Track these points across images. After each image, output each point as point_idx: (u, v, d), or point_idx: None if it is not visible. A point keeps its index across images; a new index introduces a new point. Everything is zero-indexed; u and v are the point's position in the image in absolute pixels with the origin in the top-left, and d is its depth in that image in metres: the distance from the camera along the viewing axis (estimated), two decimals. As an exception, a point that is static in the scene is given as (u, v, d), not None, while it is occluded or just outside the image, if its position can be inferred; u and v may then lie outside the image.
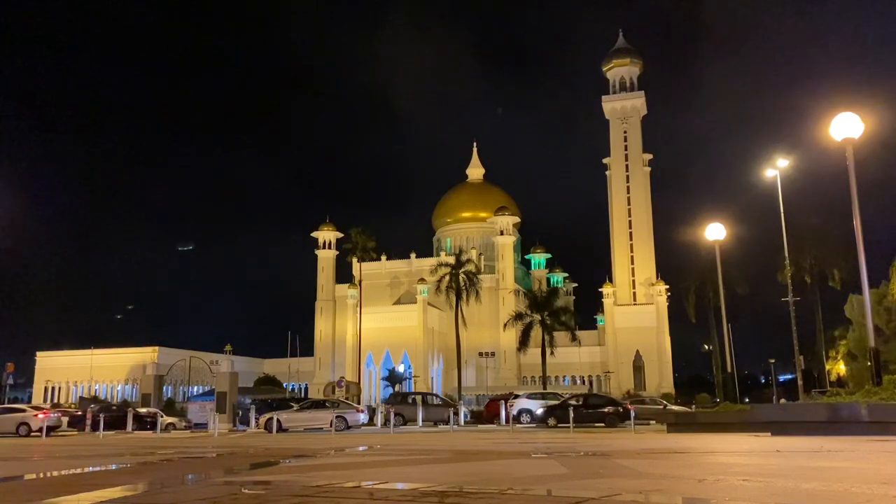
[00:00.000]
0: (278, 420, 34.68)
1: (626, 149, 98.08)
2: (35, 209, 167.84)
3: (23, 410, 37.35)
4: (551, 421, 34.47)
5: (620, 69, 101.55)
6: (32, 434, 32.94)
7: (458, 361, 69.64)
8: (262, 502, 6.26)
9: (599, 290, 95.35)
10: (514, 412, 38.79)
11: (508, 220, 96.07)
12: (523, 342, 66.73)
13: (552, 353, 66.36)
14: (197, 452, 15.55)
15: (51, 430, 34.61)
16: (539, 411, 37.70)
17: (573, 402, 37.81)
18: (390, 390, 70.65)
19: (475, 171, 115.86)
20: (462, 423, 40.60)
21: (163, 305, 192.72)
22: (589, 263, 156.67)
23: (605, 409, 35.65)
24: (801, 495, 6.42)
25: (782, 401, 55.31)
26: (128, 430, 37.89)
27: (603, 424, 33.86)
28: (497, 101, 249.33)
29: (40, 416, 34.94)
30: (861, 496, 6.18)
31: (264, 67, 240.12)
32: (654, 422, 34.03)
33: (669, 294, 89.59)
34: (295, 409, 38.71)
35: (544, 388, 66.08)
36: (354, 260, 76.69)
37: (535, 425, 36.55)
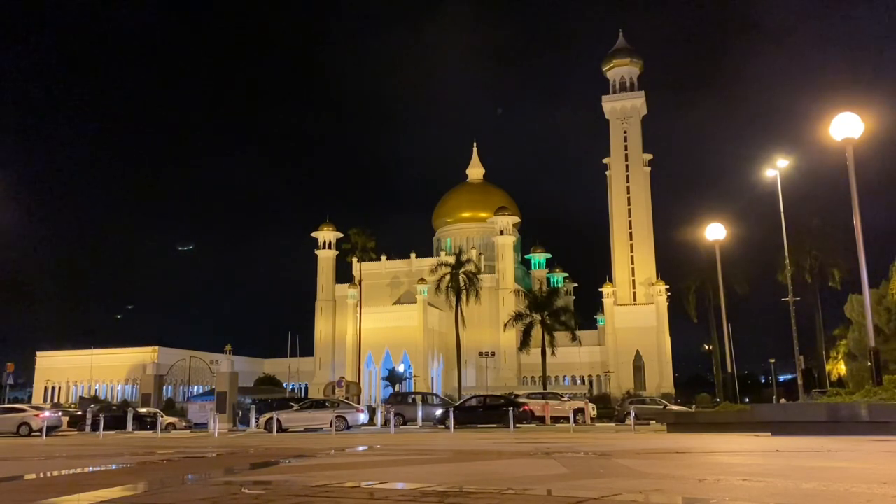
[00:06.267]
0: (278, 420, 34.69)
1: (626, 149, 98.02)
2: (36, 209, 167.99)
3: (23, 410, 37.41)
4: (448, 422, 34.26)
5: (620, 69, 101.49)
6: (33, 434, 32.96)
7: (458, 361, 69.68)
8: (262, 502, 6.26)
9: (599, 290, 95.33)
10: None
11: (508, 220, 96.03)
12: (524, 342, 66.71)
13: (552, 353, 66.36)
14: (197, 452, 15.55)
15: (51, 430, 34.66)
16: (438, 412, 37.96)
17: (473, 402, 38.84)
18: (390, 390, 70.66)
19: (475, 171, 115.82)
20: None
21: (163, 305, 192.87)
22: (589, 263, 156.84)
23: (504, 410, 35.43)
24: (801, 495, 6.41)
25: (782, 401, 55.35)
26: (128, 430, 37.91)
27: (502, 425, 33.68)
28: (497, 101, 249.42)
29: (41, 416, 35.01)
30: (861, 496, 6.18)
31: (264, 69, 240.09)
32: (654, 422, 34.05)
33: (669, 294, 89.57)
34: (295, 409, 38.75)
35: (544, 388, 66.10)
36: (354, 260, 76.74)
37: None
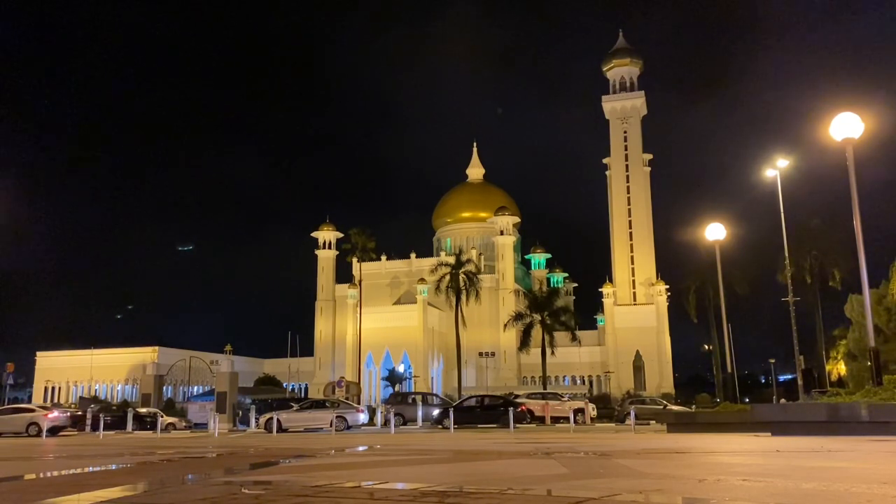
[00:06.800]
0: (278, 420, 34.70)
1: (626, 149, 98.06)
2: (36, 209, 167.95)
3: (33, 410, 37.35)
4: (446, 422, 34.15)
5: (620, 69, 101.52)
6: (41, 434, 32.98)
7: (458, 361, 69.67)
8: (262, 502, 6.26)
9: (599, 290, 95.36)
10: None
11: (508, 220, 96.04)
12: (523, 342, 66.72)
13: (552, 353, 66.36)
14: (197, 452, 15.54)
15: (57, 430, 34.69)
16: (435, 413, 37.95)
17: (471, 402, 39.02)
18: (390, 390, 70.65)
19: (475, 171, 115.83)
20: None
21: (163, 305, 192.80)
22: (589, 263, 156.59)
23: (502, 410, 35.44)
24: (801, 495, 6.41)
25: (782, 401, 55.24)
26: (128, 430, 37.92)
27: (501, 425, 33.66)
28: (497, 101, 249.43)
29: (50, 415, 35.12)
30: (861, 496, 6.17)
31: (264, 68, 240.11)
32: (653, 422, 34.06)
33: (669, 294, 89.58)
34: (295, 409, 38.76)
35: (544, 388, 66.11)
36: (354, 260, 76.73)
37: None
